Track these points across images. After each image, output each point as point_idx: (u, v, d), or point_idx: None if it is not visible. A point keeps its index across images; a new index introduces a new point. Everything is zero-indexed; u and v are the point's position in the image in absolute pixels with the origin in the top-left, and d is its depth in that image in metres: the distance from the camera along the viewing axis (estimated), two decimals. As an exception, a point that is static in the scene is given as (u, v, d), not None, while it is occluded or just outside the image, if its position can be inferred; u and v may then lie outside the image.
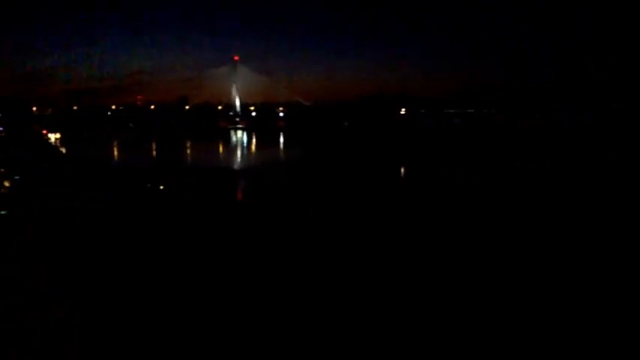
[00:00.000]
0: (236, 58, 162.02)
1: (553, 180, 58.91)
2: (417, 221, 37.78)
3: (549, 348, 17.98)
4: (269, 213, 39.06)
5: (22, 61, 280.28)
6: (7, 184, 42.21)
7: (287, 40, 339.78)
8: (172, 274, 23.73)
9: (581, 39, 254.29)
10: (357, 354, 17.72)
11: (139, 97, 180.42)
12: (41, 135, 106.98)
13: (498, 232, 34.29)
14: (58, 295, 20.30)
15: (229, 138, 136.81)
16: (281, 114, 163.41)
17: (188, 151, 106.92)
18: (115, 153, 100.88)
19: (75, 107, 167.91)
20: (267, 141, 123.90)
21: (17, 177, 43.85)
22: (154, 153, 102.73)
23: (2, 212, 32.51)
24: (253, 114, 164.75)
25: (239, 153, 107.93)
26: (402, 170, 71.60)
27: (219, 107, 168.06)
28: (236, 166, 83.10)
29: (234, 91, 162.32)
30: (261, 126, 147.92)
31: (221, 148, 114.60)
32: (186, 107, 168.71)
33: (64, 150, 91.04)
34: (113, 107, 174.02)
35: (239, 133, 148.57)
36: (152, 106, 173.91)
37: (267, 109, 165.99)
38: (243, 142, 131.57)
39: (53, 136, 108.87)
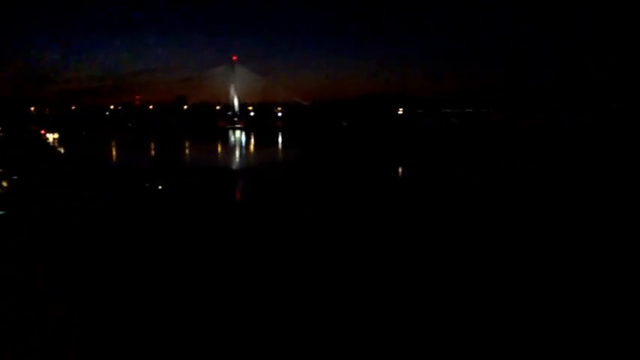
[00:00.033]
0: (234, 58, 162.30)
1: (553, 180, 58.97)
2: (416, 221, 37.72)
3: (549, 348, 17.88)
4: (267, 213, 38.98)
5: (20, 61, 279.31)
6: (4, 184, 42.03)
7: (285, 40, 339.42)
8: (171, 274, 23.59)
9: (581, 39, 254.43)
10: (357, 354, 17.61)
11: (137, 97, 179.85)
12: (39, 135, 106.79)
13: (498, 232, 34.24)
14: (57, 295, 20.16)
15: (228, 138, 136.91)
16: (279, 114, 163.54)
17: (187, 151, 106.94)
18: (114, 153, 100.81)
19: (73, 107, 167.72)
20: (265, 141, 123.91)
21: (15, 177, 43.66)
22: (153, 153, 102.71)
23: (0, 212, 32.33)
24: (252, 114, 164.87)
25: (237, 153, 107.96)
26: (403, 170, 71.63)
27: (218, 107, 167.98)
28: (234, 166, 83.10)
29: (232, 91, 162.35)
30: (260, 126, 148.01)
31: (219, 148, 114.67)
32: (185, 107, 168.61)
33: (62, 150, 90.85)
34: (111, 107, 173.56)
35: (237, 133, 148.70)
36: (150, 106, 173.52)
37: (265, 108, 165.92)
38: (241, 142, 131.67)
39: (51, 136, 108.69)
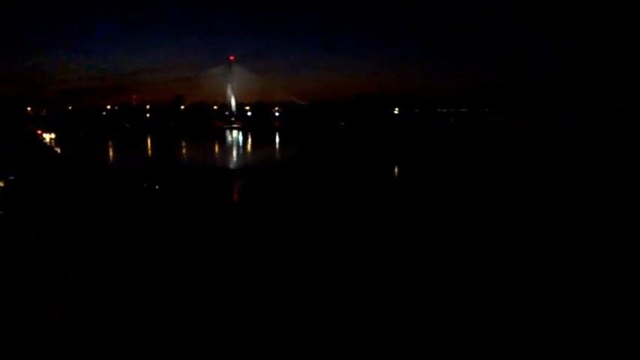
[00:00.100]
0: (231, 57, 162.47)
1: (553, 180, 59.00)
2: (415, 221, 37.61)
3: (549, 348, 17.78)
4: (264, 212, 38.96)
5: (17, 60, 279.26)
6: (1, 184, 41.78)
7: (283, 39, 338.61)
8: (170, 274, 23.50)
9: (581, 39, 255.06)
10: (356, 354, 17.50)
11: (134, 96, 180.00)
12: (36, 135, 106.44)
13: (498, 231, 34.14)
14: (55, 295, 20.03)
15: (225, 138, 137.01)
16: (277, 114, 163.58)
17: (184, 151, 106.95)
18: (111, 153, 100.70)
19: (70, 107, 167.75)
20: (262, 141, 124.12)
21: (12, 177, 43.42)
22: (150, 153, 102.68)
23: None
24: (249, 114, 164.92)
25: (234, 153, 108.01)
26: (400, 170, 71.64)
27: (215, 107, 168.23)
28: (232, 166, 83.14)
29: (229, 91, 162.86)
30: (257, 126, 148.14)
31: (217, 148, 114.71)
32: (182, 107, 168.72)
33: (59, 150, 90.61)
34: (108, 107, 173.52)
35: (235, 132, 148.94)
36: (147, 106, 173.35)
37: (262, 108, 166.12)
38: (238, 142, 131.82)
39: (48, 136, 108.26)
